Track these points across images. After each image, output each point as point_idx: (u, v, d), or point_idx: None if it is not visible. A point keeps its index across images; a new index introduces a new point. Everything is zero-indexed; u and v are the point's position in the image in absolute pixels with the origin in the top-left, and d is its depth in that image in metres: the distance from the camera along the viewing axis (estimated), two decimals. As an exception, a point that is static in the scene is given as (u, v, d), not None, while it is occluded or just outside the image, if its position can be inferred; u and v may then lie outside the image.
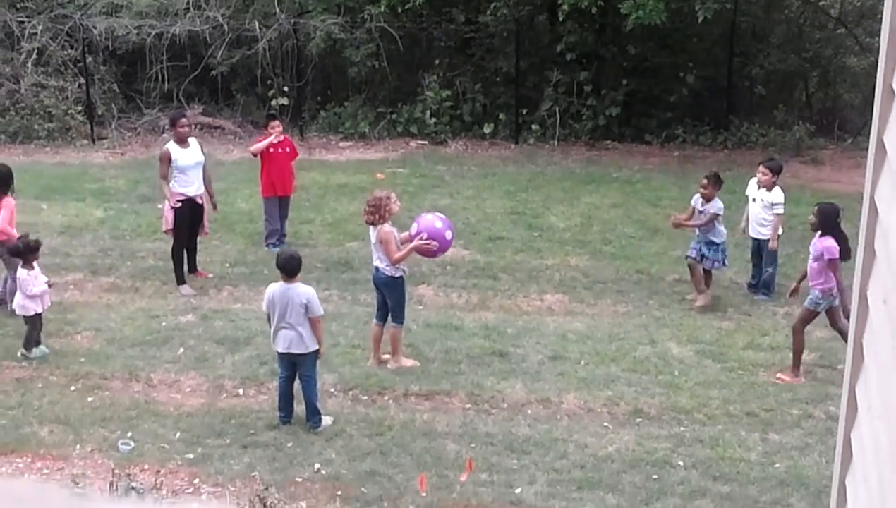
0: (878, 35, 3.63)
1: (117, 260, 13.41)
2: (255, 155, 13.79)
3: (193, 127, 19.86)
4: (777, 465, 8.62)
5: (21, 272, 10.55)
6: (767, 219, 11.91)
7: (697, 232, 12.00)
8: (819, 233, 10.13)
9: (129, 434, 9.19)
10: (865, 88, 18.69)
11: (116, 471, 8.31)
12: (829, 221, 10.08)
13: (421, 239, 10.07)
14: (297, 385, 9.33)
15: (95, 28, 19.91)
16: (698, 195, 12.00)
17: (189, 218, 12.37)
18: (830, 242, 9.93)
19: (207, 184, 12.65)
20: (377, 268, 10.21)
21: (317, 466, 8.67)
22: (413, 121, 19.70)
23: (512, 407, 9.65)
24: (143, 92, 20.69)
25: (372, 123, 19.81)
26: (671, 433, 9.16)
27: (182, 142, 12.29)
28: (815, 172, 17.35)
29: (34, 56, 20.00)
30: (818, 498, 8.04)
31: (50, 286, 10.83)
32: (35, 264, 10.68)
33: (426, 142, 19.35)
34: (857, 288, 3.72)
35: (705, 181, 11.95)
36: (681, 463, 8.65)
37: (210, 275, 12.72)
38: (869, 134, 3.63)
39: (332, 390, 9.90)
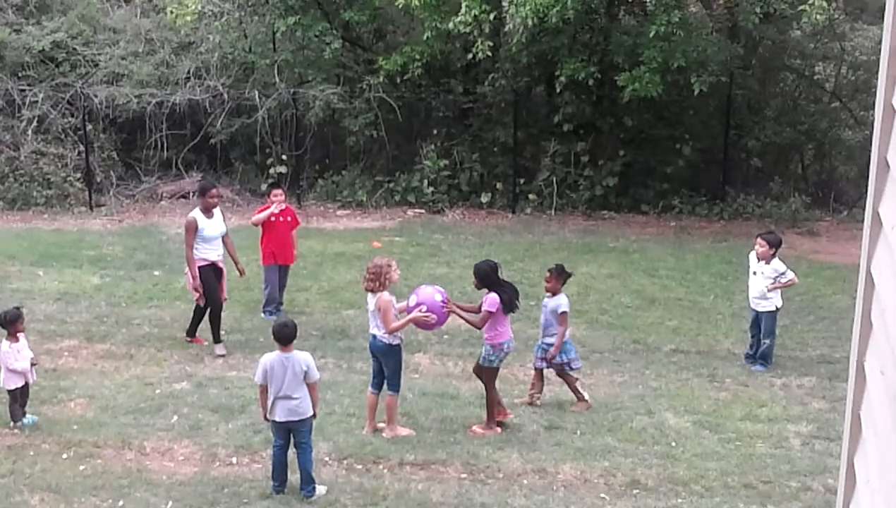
0: (873, 109, 3.67)
1: (112, 328, 13.37)
2: (255, 225, 13.78)
3: (192, 195, 20.07)
4: (776, 539, 8.53)
5: (3, 344, 10.44)
6: (768, 292, 11.89)
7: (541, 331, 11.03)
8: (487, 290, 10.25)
9: (121, 503, 9.09)
10: (860, 161, 18.83)
11: (107, 541, 8.21)
12: (486, 279, 10.26)
13: (420, 310, 10.07)
14: (290, 454, 9.26)
15: (96, 96, 20.09)
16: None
17: (215, 281, 12.45)
18: (494, 296, 10.13)
19: (232, 251, 12.76)
20: (374, 336, 10.19)
21: (310, 537, 8.56)
22: (411, 190, 19.80)
23: (508, 477, 9.56)
24: (143, 159, 20.82)
25: (369, 192, 19.91)
26: (668, 504, 9.07)
27: (208, 211, 12.37)
28: (811, 244, 17.42)
29: (34, 123, 20.14)
30: (818, 573, 7.95)
31: (34, 365, 10.69)
32: (21, 336, 10.57)
33: (423, 211, 19.44)
34: (855, 359, 3.71)
35: (548, 274, 11.08)
36: (678, 536, 8.55)
37: (205, 343, 12.65)
38: (864, 206, 3.65)
39: (327, 459, 9.82)
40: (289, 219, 13.77)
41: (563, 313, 10.82)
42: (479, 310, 10.30)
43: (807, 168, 21.25)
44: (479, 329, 10.22)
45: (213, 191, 12.56)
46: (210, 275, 12.37)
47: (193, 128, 20.69)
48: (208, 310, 12.49)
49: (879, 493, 3.21)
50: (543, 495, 9.24)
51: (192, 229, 12.24)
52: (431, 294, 10.24)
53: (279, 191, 13.84)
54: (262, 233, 13.71)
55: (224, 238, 12.60)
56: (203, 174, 20.66)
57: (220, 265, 12.56)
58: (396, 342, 10.16)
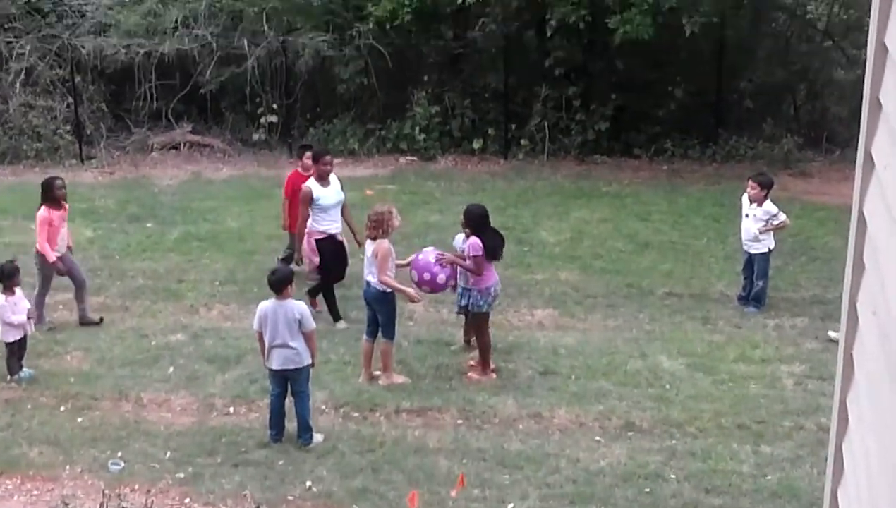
0: (865, 48, 3.65)
1: (107, 280, 13.37)
2: (286, 195, 12.77)
3: (182, 146, 19.98)
4: (769, 477, 8.62)
5: (0, 298, 10.47)
6: (760, 234, 11.91)
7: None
8: (471, 233, 10.27)
9: (119, 454, 9.15)
10: (853, 101, 18.76)
11: (107, 492, 8.27)
12: (473, 222, 10.29)
13: (416, 278, 10.27)
14: (288, 402, 9.31)
15: (83, 48, 19.91)
16: (463, 234, 10.57)
17: (332, 255, 11.68)
18: (476, 240, 10.13)
19: (350, 222, 11.97)
20: (368, 283, 10.20)
21: (308, 484, 8.64)
22: (402, 138, 19.73)
23: (503, 423, 9.63)
24: (132, 111, 20.67)
25: (361, 140, 19.82)
26: (663, 446, 9.15)
27: (323, 179, 11.64)
28: (803, 185, 17.41)
29: (22, 76, 19.98)
30: (811, 511, 8.04)
31: (30, 318, 10.73)
32: (17, 290, 10.60)
33: (415, 158, 19.38)
34: (847, 299, 3.72)
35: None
36: (673, 477, 8.64)
37: (321, 309, 11.80)
38: (857, 146, 3.64)
39: (324, 407, 9.88)
40: None
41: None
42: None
43: (799, 109, 21.17)
44: (477, 274, 10.23)
45: (328, 158, 11.81)
46: (329, 250, 11.64)
47: (183, 79, 20.53)
48: (321, 285, 11.80)
49: (871, 432, 3.24)
50: (539, 439, 9.32)
51: (307, 200, 11.49)
52: (427, 259, 10.28)
53: (310, 154, 12.77)
54: (289, 201, 12.66)
55: (343, 207, 11.86)
56: (193, 125, 20.56)
57: (340, 238, 11.83)
58: (391, 289, 10.17)
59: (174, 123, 20.40)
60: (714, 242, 14.41)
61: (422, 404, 9.96)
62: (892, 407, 2.91)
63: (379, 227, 10.04)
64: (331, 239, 11.66)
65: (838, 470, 3.87)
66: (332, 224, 11.68)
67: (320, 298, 11.89)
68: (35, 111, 19.91)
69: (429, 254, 10.35)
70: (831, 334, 10.91)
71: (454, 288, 10.54)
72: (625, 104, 19.54)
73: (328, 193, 11.62)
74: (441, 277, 10.24)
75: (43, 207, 11.59)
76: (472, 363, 10.64)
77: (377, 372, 10.46)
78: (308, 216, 11.54)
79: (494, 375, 10.47)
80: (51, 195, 11.61)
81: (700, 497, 8.33)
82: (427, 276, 10.27)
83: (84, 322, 11.88)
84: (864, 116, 3.53)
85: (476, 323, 10.49)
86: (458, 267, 10.35)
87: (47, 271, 11.71)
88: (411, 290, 10.28)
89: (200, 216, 16.04)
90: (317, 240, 11.60)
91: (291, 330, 9.00)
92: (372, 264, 10.09)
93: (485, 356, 10.49)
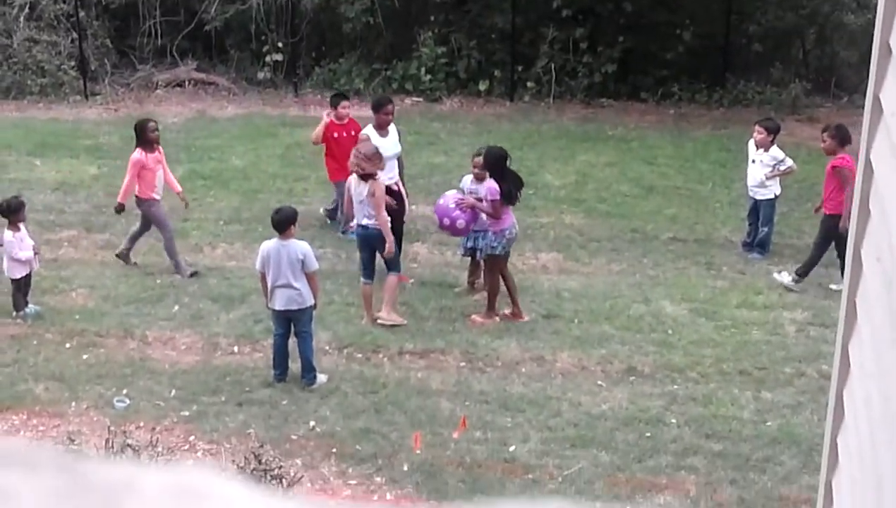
0: (876, -8, 3.60)
1: (112, 218, 13.33)
2: (315, 143, 12.64)
3: (187, 83, 19.87)
4: (769, 423, 8.67)
5: (6, 234, 10.47)
6: (766, 180, 11.88)
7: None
8: (489, 175, 10.31)
9: (125, 391, 9.22)
10: (862, 46, 18.55)
11: (112, 429, 8.33)
12: (493, 164, 10.31)
13: (437, 221, 10.40)
14: (291, 343, 9.36)
15: (88, -19, 19.74)
16: (471, 176, 10.67)
17: (389, 209, 10.84)
18: (494, 184, 10.16)
19: (401, 172, 11.64)
20: (365, 226, 10.11)
21: (312, 423, 8.70)
22: (408, 78, 19.60)
23: (506, 366, 9.67)
24: (137, 47, 20.53)
25: (367, 80, 19.70)
26: (664, 391, 9.20)
27: (382, 128, 11.36)
28: (811, 130, 17.27)
29: (26, 10, 19.82)
30: (810, 456, 8.09)
31: (36, 253, 10.75)
32: (21, 226, 10.61)
33: (421, 100, 19.26)
34: (852, 246, 3.71)
35: (480, 159, 10.56)
36: (674, 421, 8.70)
37: (410, 281, 11.34)
38: (865, 92, 3.61)
39: (327, 348, 9.92)
40: (353, 133, 12.18)
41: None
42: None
43: (808, 53, 20.98)
44: (496, 218, 10.22)
45: (389, 107, 11.50)
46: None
47: (187, 15, 20.36)
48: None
49: (873, 379, 3.25)
50: (541, 382, 9.36)
51: None
52: (447, 203, 10.24)
53: (347, 103, 12.68)
54: (325, 150, 12.56)
55: (399, 158, 11.51)
56: (198, 62, 20.43)
57: (396, 188, 11.34)
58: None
59: (179, 60, 20.26)
60: (719, 187, 14.36)
61: (425, 346, 10.00)
62: (895, 353, 2.92)
63: (376, 166, 10.00)
64: (387, 190, 10.92)
65: (839, 417, 3.88)
66: (386, 174, 11.03)
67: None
68: (39, 46, 19.77)
69: (449, 199, 10.31)
70: (833, 286, 10.94)
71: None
72: (632, 46, 19.36)
73: (387, 143, 11.21)
74: (461, 222, 10.23)
75: (137, 149, 11.48)
76: (505, 312, 10.57)
77: (380, 313, 10.49)
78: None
79: (498, 319, 10.50)
80: (144, 137, 11.50)
81: (700, 442, 8.39)
82: (447, 222, 10.29)
83: (120, 255, 11.79)
84: (874, 62, 3.50)
85: (489, 265, 10.49)
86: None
87: (157, 214, 11.56)
88: (391, 241, 10.19)
89: (205, 154, 15.99)
90: None
91: (294, 270, 9.01)
92: (366, 206, 10.01)
93: (491, 300, 10.50)
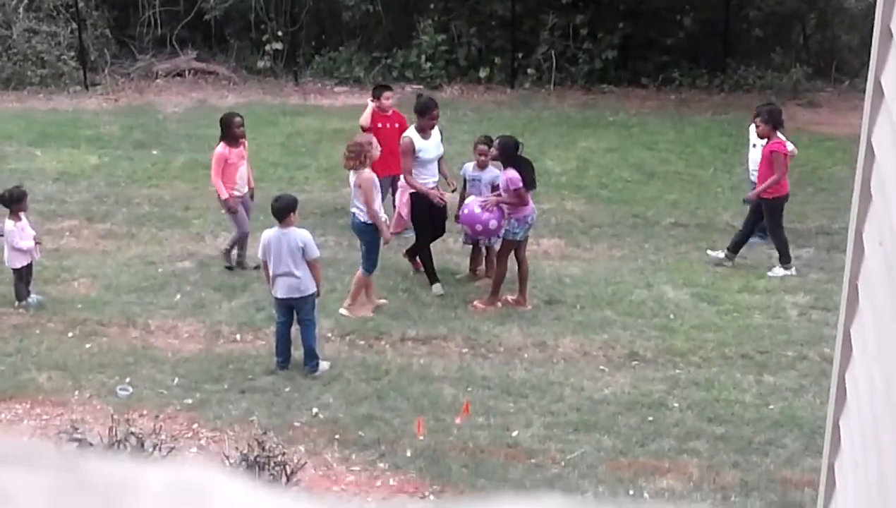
0: (877, -25, 3.60)
1: (113, 207, 13.38)
2: (363, 128, 11.86)
3: (187, 73, 19.85)
4: (771, 406, 8.69)
5: (7, 223, 10.47)
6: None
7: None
8: (502, 165, 10.34)
9: (128, 379, 9.24)
10: (863, 30, 18.55)
11: (115, 417, 8.35)
12: (508, 153, 10.26)
13: (469, 232, 10.52)
14: (294, 330, 9.37)
15: (87, -28, 19.71)
16: (473, 163, 10.89)
17: (429, 211, 10.90)
18: (513, 173, 10.11)
19: (444, 170, 11.24)
20: (353, 214, 10.19)
21: (314, 410, 8.73)
22: (408, 66, 19.58)
23: (508, 351, 9.69)
24: (136, 37, 20.51)
25: (367, 68, 19.68)
26: (666, 375, 9.21)
27: (425, 131, 10.96)
28: (812, 115, 17.30)
29: (25, 1, 19.80)
30: (812, 439, 8.11)
31: (37, 243, 10.75)
32: (23, 215, 10.61)
33: (422, 87, 19.24)
34: (853, 229, 3.72)
35: (484, 147, 10.69)
36: (676, 405, 8.71)
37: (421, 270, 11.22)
38: (866, 76, 3.62)
39: (330, 335, 9.94)
40: (397, 125, 11.88)
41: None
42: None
43: (808, 38, 20.94)
44: (524, 204, 10.22)
45: (435, 112, 11.05)
46: (424, 205, 10.84)
47: (187, 5, 20.33)
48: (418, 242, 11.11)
49: (875, 362, 3.26)
50: (543, 368, 9.38)
51: (408, 151, 10.75)
52: (472, 210, 10.24)
53: (390, 94, 12.35)
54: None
55: (440, 160, 11.17)
56: (198, 52, 20.40)
57: (436, 189, 11.06)
58: (372, 221, 10.16)
59: (179, 50, 20.24)
60: (721, 172, 14.36)
61: (427, 332, 10.02)
62: (897, 336, 2.93)
63: (357, 158, 10.01)
64: (425, 194, 10.83)
65: (841, 400, 3.90)
66: (429, 178, 11.00)
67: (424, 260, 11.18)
68: (39, 36, 19.75)
69: (473, 205, 10.31)
70: (710, 253, 11.35)
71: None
72: (632, 32, 19.33)
73: (429, 145, 10.94)
74: (492, 222, 10.24)
75: (221, 143, 11.21)
76: (508, 298, 10.61)
77: (382, 300, 10.52)
78: (411, 169, 10.78)
79: (500, 304, 10.52)
80: (229, 132, 11.22)
81: (703, 426, 8.41)
82: (479, 227, 10.33)
83: (230, 263, 11.40)
84: (875, 45, 3.50)
85: (502, 248, 10.49)
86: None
87: (234, 209, 11.28)
88: (387, 231, 10.22)
89: (206, 143, 15.92)
90: (412, 195, 10.89)
91: (295, 258, 9.03)
92: (357, 195, 10.07)
93: (496, 285, 10.51)
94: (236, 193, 11.31)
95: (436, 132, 11.11)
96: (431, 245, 11.02)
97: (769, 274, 11.28)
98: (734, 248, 11.38)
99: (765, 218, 11.29)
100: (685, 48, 19.33)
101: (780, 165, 11.06)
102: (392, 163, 11.15)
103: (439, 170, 11.17)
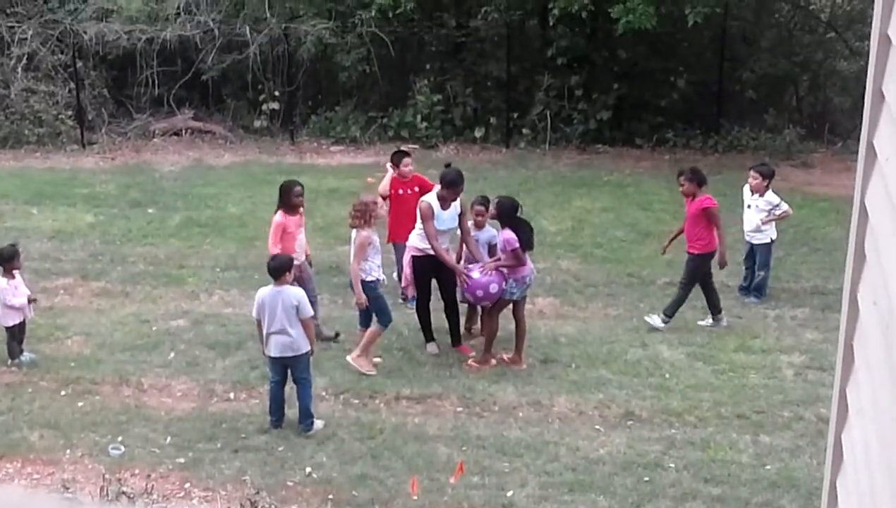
0: (868, 39, 3.65)
1: (108, 265, 13.38)
2: (384, 198, 11.78)
3: (185, 132, 19.95)
4: (768, 467, 8.64)
5: (0, 281, 10.47)
6: (762, 224, 11.96)
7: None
8: (500, 226, 10.44)
9: (120, 438, 9.17)
10: (855, 92, 18.74)
11: (107, 476, 8.29)
12: (506, 214, 10.35)
13: (472, 300, 10.60)
14: (288, 389, 9.33)
15: (86, 33, 19.88)
16: (471, 223, 10.85)
17: (431, 274, 10.84)
18: (510, 234, 10.20)
19: (473, 249, 10.82)
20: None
21: (308, 470, 8.66)
22: (404, 126, 19.71)
23: (503, 410, 9.65)
24: (134, 97, 20.66)
25: (363, 128, 19.81)
26: (662, 435, 9.17)
27: (446, 201, 10.70)
28: (805, 176, 17.40)
29: (24, 61, 19.96)
30: (809, 500, 8.05)
31: (31, 301, 10.72)
32: (16, 273, 10.61)
33: (417, 147, 19.33)
34: (848, 290, 3.73)
35: (481, 207, 10.71)
36: (672, 466, 8.66)
37: (472, 353, 10.92)
38: (859, 137, 3.64)
39: (324, 394, 9.89)
40: (417, 189, 11.83)
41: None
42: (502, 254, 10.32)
43: (801, 100, 21.15)
44: (522, 264, 10.29)
45: (461, 187, 10.75)
46: (426, 268, 10.78)
47: (184, 65, 20.52)
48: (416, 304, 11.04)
49: (871, 422, 3.25)
50: (539, 427, 9.33)
51: (429, 216, 10.53)
52: (477, 278, 10.26)
53: (409, 160, 12.22)
54: (389, 208, 11.78)
55: (460, 224, 10.87)
56: (195, 111, 20.53)
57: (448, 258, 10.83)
58: (370, 279, 10.16)
59: (176, 109, 20.37)
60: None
61: (422, 391, 9.98)
62: (893, 397, 2.92)
63: (362, 217, 10.06)
64: (428, 258, 10.70)
65: (838, 461, 3.88)
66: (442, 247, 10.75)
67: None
68: (37, 96, 19.89)
69: (472, 272, 10.32)
70: (700, 323, 11.45)
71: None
72: (627, 94, 19.52)
73: (445, 217, 10.71)
74: (493, 286, 10.26)
75: (279, 212, 10.86)
76: (504, 357, 10.62)
77: (378, 359, 10.49)
78: (435, 233, 10.54)
79: (494, 362, 10.50)
80: (288, 201, 10.88)
81: (699, 487, 8.35)
82: (480, 293, 10.34)
83: (320, 337, 10.77)
84: (867, 108, 3.53)
85: (494, 306, 10.49)
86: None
87: (300, 278, 10.66)
88: (361, 294, 10.12)
89: (202, 202, 16.05)
90: (414, 257, 10.84)
91: (290, 316, 9.02)
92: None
93: (488, 344, 10.51)
94: (294, 260, 11.15)
95: (456, 204, 10.81)
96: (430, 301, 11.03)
97: (646, 317, 11.47)
98: (671, 313, 11.39)
99: (685, 271, 11.37)
100: (679, 109, 19.50)
101: (717, 219, 11.23)
102: (413, 228, 10.99)
103: (467, 246, 10.93)
